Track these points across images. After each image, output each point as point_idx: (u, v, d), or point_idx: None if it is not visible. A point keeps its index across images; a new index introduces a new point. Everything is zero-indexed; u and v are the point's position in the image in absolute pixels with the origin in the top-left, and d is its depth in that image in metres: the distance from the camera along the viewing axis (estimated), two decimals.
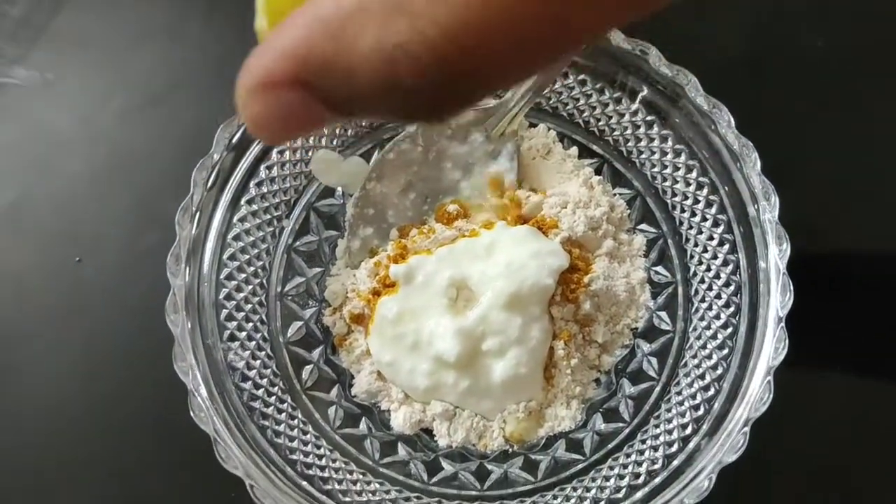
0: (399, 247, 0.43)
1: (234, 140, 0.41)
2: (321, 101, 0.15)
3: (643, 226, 0.44)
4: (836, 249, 0.45)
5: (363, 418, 0.41)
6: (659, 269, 0.43)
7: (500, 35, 0.14)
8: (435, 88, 0.14)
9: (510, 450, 0.41)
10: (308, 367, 0.42)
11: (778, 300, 0.37)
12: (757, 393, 0.35)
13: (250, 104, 0.16)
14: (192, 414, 0.36)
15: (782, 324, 0.36)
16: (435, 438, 0.41)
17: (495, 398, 0.41)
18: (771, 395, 0.35)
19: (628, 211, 0.44)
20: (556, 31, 0.14)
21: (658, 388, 0.40)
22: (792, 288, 0.36)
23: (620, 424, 0.40)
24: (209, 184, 0.41)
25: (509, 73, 0.15)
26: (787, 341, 0.35)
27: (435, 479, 0.40)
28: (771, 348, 0.36)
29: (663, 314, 0.42)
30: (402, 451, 0.41)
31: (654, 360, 0.41)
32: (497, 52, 0.14)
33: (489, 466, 0.40)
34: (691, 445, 0.36)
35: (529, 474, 0.40)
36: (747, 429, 0.34)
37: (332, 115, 0.16)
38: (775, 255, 0.37)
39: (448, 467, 0.40)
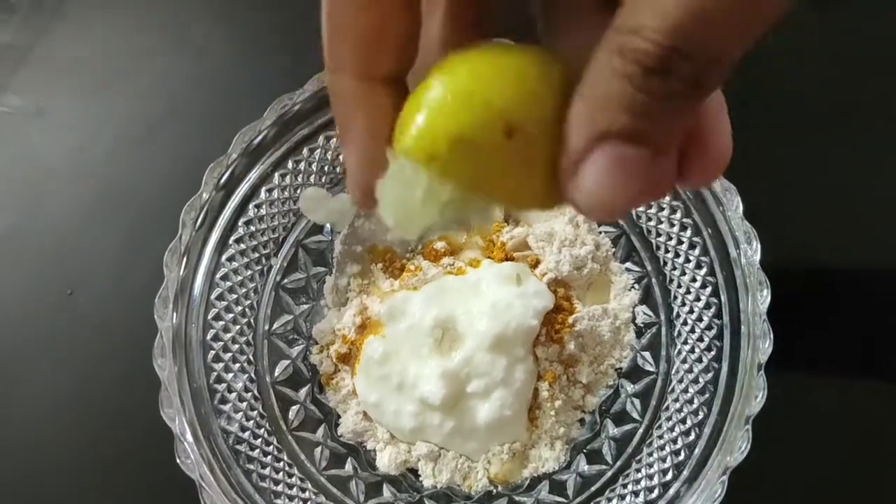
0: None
1: (222, 179, 0.42)
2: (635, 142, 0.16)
3: (628, 265, 0.44)
4: (819, 291, 0.45)
5: (349, 458, 0.42)
6: (644, 308, 0.43)
7: (731, 31, 0.15)
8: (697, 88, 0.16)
9: (494, 491, 0.41)
10: (295, 407, 0.42)
11: (758, 346, 0.37)
12: (736, 440, 0.35)
13: (579, 176, 0.17)
14: (178, 460, 0.36)
15: (762, 371, 0.36)
16: (420, 479, 0.42)
17: (480, 439, 0.41)
18: (749, 444, 0.35)
19: (613, 249, 0.44)
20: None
21: (641, 431, 0.40)
22: (772, 335, 0.37)
23: (603, 467, 0.40)
24: (197, 224, 0.41)
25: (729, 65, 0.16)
26: (765, 389, 0.36)
27: None
28: (751, 395, 0.36)
29: (647, 354, 0.42)
30: (386, 492, 0.41)
31: (637, 402, 0.41)
32: (730, 45, 0.16)
33: None
34: (671, 492, 0.36)
35: None
36: (725, 477, 0.35)
37: (649, 157, 0.17)
38: (756, 299, 0.38)
39: None
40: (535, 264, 0.44)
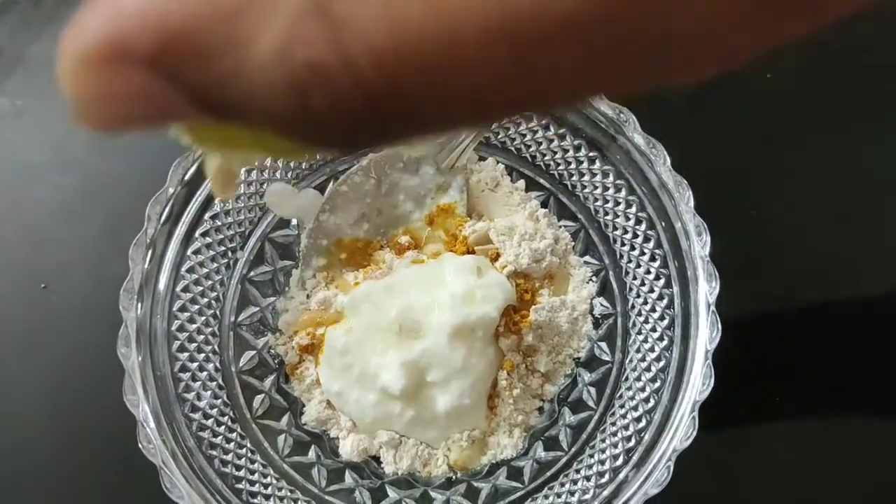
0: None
1: (188, 174, 0.43)
2: (184, 94, 0.11)
3: (587, 258, 0.45)
4: (768, 285, 0.46)
5: (312, 445, 0.43)
6: (601, 300, 0.44)
7: (451, 70, 0.10)
8: (350, 121, 0.11)
9: (454, 477, 0.42)
10: (259, 396, 0.43)
11: (706, 335, 0.38)
12: (683, 426, 0.37)
13: (82, 77, 0.12)
14: (140, 445, 0.37)
15: (709, 360, 0.37)
16: (382, 465, 0.43)
17: (440, 427, 0.42)
18: (695, 430, 0.36)
19: (573, 243, 0.46)
20: (523, 89, 0.11)
21: (595, 418, 0.41)
22: (720, 324, 0.38)
23: (559, 453, 0.41)
24: (163, 218, 0.42)
25: (452, 119, 0.12)
26: (712, 377, 0.37)
27: None
28: (698, 383, 0.37)
29: (604, 345, 0.43)
30: (348, 478, 0.42)
31: (593, 390, 0.42)
32: (443, 92, 0.11)
33: (433, 493, 0.42)
34: (620, 476, 0.37)
35: (470, 502, 0.41)
36: (671, 462, 0.36)
37: (194, 113, 0.12)
38: (705, 291, 0.39)
39: (393, 494, 0.42)
40: (496, 258, 0.45)
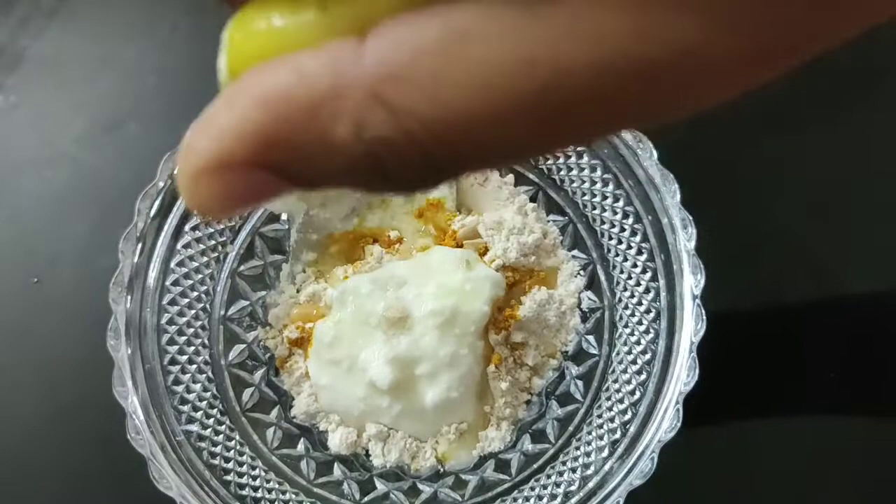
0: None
1: (178, 168, 0.43)
2: (285, 178, 0.14)
3: (575, 252, 0.45)
4: (754, 278, 0.46)
5: (302, 438, 0.43)
6: (589, 293, 0.45)
7: (491, 136, 0.13)
8: (414, 175, 0.14)
9: (442, 470, 0.42)
10: (249, 390, 0.43)
11: (691, 328, 0.38)
12: (667, 418, 0.37)
13: (200, 189, 0.14)
14: (129, 436, 0.38)
15: (694, 352, 0.37)
16: (370, 458, 0.43)
17: (428, 421, 0.42)
18: (679, 422, 0.36)
19: (561, 237, 0.46)
20: (550, 144, 0.14)
21: (582, 411, 0.42)
22: (704, 317, 0.38)
23: (546, 445, 0.41)
24: (153, 212, 0.42)
25: (494, 164, 0.15)
26: (697, 369, 0.37)
27: (367, 499, 0.41)
28: (683, 375, 0.37)
29: (591, 338, 0.44)
30: (337, 471, 0.42)
31: (580, 383, 0.43)
32: (485, 149, 0.13)
33: (420, 486, 0.42)
34: (606, 467, 0.38)
35: (457, 494, 0.41)
36: (655, 454, 0.36)
37: (290, 189, 0.14)
38: (691, 284, 0.39)
39: (381, 487, 0.42)
40: (485, 252, 0.45)
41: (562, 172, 0.45)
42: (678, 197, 0.40)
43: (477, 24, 0.12)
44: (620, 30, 0.12)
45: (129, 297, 0.40)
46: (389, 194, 0.15)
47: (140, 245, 0.42)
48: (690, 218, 0.40)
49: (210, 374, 0.43)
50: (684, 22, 0.12)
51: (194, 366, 0.42)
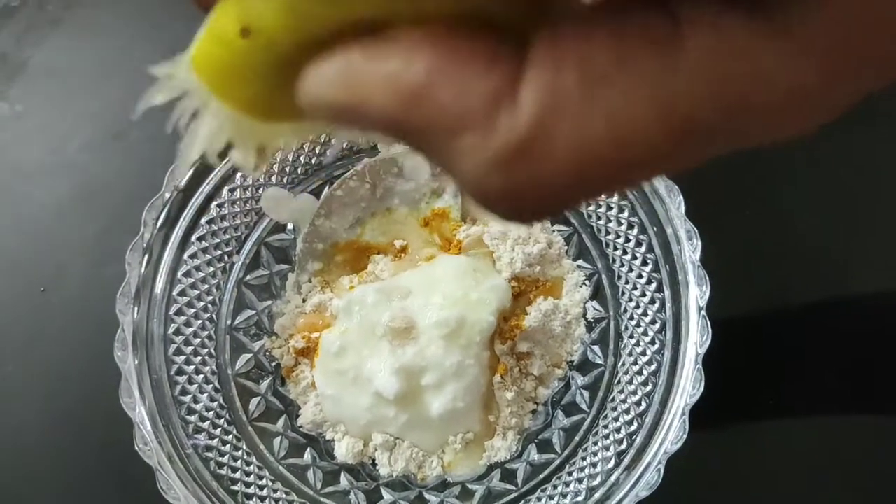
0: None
1: (184, 179, 0.43)
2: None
3: (580, 262, 0.46)
4: (760, 289, 0.46)
5: (308, 448, 0.43)
6: (594, 303, 0.45)
7: (615, 178, 0.14)
8: (533, 214, 0.15)
9: (448, 479, 0.43)
10: (255, 399, 0.44)
11: (696, 339, 0.38)
12: (673, 430, 0.37)
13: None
14: (136, 447, 0.38)
15: (699, 364, 0.37)
16: (377, 468, 0.43)
17: (434, 431, 0.42)
18: (685, 433, 0.36)
19: (566, 247, 0.46)
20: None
21: (588, 421, 0.42)
22: (710, 328, 0.38)
23: (552, 455, 0.42)
24: (159, 223, 0.42)
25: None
26: (703, 381, 0.37)
27: None
28: (688, 386, 0.38)
29: (596, 348, 0.44)
30: (344, 480, 0.42)
31: (586, 394, 0.43)
32: (598, 191, 0.15)
33: (427, 496, 0.42)
34: (612, 479, 0.38)
35: None
36: (662, 465, 0.36)
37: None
38: (696, 295, 0.39)
39: (387, 496, 0.42)
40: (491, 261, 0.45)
41: None
42: (683, 208, 0.40)
43: (613, 74, 0.13)
44: (743, 76, 0.13)
45: (135, 308, 0.41)
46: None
47: (146, 256, 0.42)
48: (695, 229, 0.40)
49: (217, 384, 0.43)
50: (804, 66, 0.13)
51: (201, 376, 0.42)
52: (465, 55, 0.13)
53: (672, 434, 0.37)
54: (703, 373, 0.37)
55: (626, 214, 0.43)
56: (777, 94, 0.13)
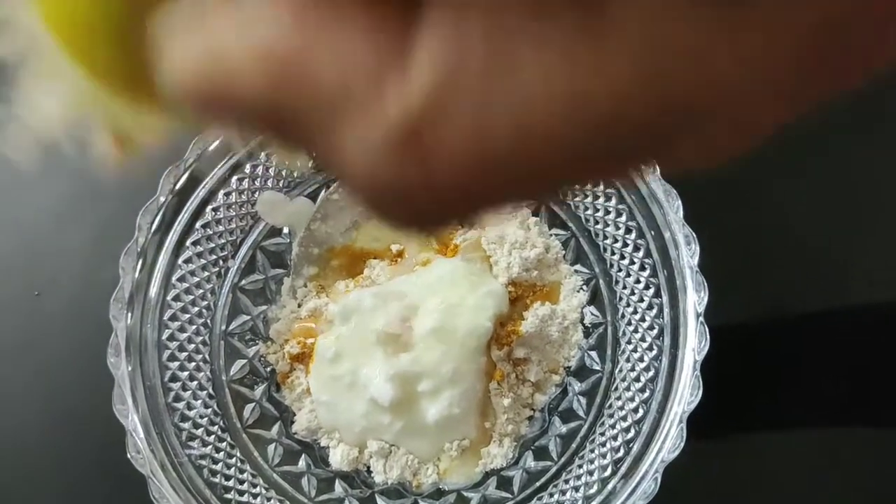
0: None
1: (178, 184, 0.43)
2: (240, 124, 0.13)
3: (577, 266, 0.45)
4: (759, 294, 0.46)
5: (303, 455, 0.43)
6: (591, 309, 0.44)
7: (519, 181, 0.12)
8: (423, 217, 0.13)
9: (443, 487, 0.42)
10: (250, 406, 0.43)
11: (694, 345, 0.38)
12: (671, 438, 0.36)
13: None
14: (129, 455, 0.37)
15: (697, 371, 0.37)
16: (372, 475, 0.43)
17: (430, 437, 0.42)
18: (683, 442, 0.36)
19: (563, 252, 0.45)
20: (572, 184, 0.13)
21: (585, 428, 0.41)
22: (708, 335, 0.38)
23: (549, 463, 0.41)
24: (153, 227, 0.42)
25: (520, 198, 0.14)
26: (701, 388, 0.37)
27: None
28: (686, 393, 0.37)
29: (594, 354, 0.43)
30: (338, 487, 0.42)
31: (583, 400, 0.42)
32: (511, 190, 0.12)
33: (422, 503, 0.42)
34: (609, 487, 0.37)
35: None
36: (659, 474, 0.36)
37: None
38: (694, 301, 0.39)
39: None
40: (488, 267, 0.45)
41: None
42: (681, 212, 0.40)
43: (524, 50, 0.10)
44: (677, 67, 0.10)
45: (129, 314, 0.40)
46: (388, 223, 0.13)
47: (140, 261, 0.41)
48: (693, 234, 0.40)
49: (211, 390, 0.42)
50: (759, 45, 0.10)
51: (195, 382, 0.42)
52: (346, 12, 0.11)
53: (669, 442, 0.37)
54: (700, 379, 0.37)
55: (623, 219, 0.43)
56: (740, 84, 0.10)
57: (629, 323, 0.42)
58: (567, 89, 0.10)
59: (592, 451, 0.40)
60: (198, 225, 0.44)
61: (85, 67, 0.13)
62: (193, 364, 0.42)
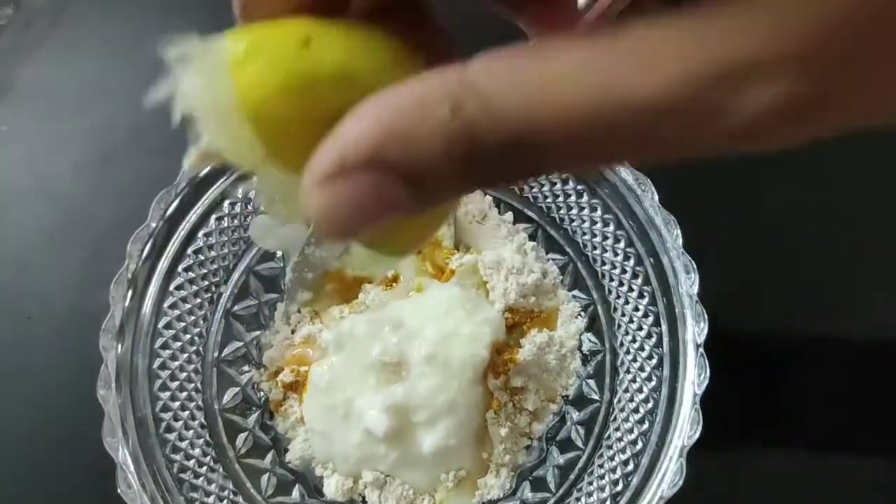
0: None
1: (169, 210, 0.42)
2: (399, 176, 0.15)
3: (575, 292, 0.45)
4: (759, 322, 0.45)
5: (296, 485, 0.42)
6: (590, 335, 0.44)
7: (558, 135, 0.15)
8: (496, 162, 0.15)
9: None
10: (243, 435, 0.42)
11: (694, 377, 0.37)
12: (671, 472, 0.36)
13: (325, 198, 0.15)
14: (119, 490, 0.37)
15: (697, 404, 0.36)
16: None
17: (426, 468, 0.41)
18: (682, 476, 0.35)
19: (561, 277, 0.45)
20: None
21: (583, 459, 0.41)
22: (708, 367, 0.37)
23: (546, 494, 0.40)
24: (144, 254, 0.41)
25: (564, 161, 0.16)
26: (701, 421, 0.36)
27: None
28: (686, 427, 0.37)
29: (592, 382, 0.43)
30: None
31: (581, 430, 0.42)
32: (552, 147, 0.15)
33: None
34: None
35: None
36: None
37: (409, 196, 0.15)
38: (693, 331, 0.38)
39: None
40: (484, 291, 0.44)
41: (561, 211, 0.45)
42: (680, 240, 0.39)
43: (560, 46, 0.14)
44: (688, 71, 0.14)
45: (119, 344, 0.39)
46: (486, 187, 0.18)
47: (131, 290, 0.41)
48: (693, 263, 0.39)
49: (203, 419, 0.42)
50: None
51: (187, 412, 0.41)
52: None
53: (669, 476, 0.36)
54: (700, 413, 0.36)
55: (622, 245, 0.42)
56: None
57: (627, 352, 0.41)
58: (592, 76, 0.14)
59: (591, 483, 0.39)
60: (189, 250, 0.43)
61: (287, 167, 0.16)
62: (185, 393, 0.41)
